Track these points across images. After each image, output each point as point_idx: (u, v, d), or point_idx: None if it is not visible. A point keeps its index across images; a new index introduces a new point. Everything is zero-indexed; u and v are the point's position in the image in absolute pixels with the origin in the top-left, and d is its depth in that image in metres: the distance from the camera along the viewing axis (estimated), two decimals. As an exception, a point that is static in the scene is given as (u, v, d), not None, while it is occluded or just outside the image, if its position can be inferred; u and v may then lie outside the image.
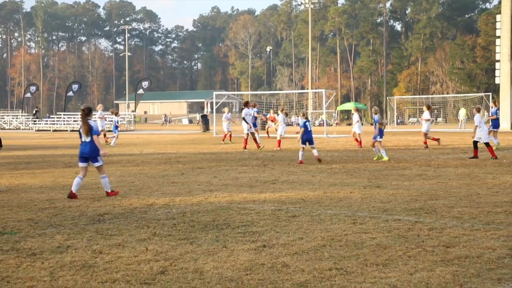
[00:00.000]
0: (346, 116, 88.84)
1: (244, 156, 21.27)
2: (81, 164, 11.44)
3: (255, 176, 14.81)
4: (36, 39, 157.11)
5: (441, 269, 6.18)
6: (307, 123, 17.97)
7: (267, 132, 34.79)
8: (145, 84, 68.45)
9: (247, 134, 25.15)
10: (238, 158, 20.14)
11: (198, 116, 76.97)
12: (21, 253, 6.98)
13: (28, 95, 76.05)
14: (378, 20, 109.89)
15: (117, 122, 30.79)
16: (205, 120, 50.86)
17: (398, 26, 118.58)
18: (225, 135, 30.35)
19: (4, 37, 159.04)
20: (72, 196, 11.13)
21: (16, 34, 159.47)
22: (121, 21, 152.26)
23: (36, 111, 69.87)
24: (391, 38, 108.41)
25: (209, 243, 7.41)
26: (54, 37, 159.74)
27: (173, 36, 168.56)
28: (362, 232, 7.96)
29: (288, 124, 52.25)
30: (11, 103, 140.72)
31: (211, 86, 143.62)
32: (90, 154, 11.27)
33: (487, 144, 18.68)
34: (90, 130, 11.26)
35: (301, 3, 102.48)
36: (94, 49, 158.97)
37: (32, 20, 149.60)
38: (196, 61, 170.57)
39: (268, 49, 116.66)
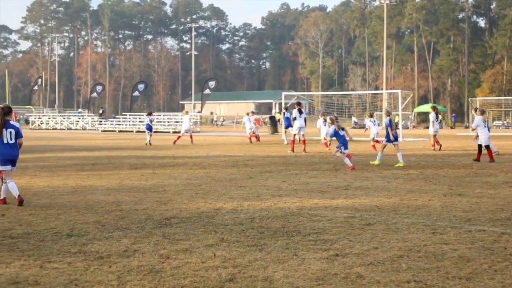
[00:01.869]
0: (424, 119, 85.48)
1: (315, 160, 20.93)
2: (6, 168, 10.83)
3: (326, 181, 14.43)
4: (102, 37, 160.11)
5: (531, 285, 5.71)
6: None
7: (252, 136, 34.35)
8: (211, 84, 68.22)
9: (294, 135, 25.68)
10: (308, 162, 19.80)
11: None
12: (89, 256, 6.94)
13: (95, 94, 77.21)
14: (460, 16, 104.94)
15: (151, 122, 32.35)
16: (273, 121, 50.52)
17: (481, 22, 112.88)
18: (253, 136, 33.13)
19: (71, 36, 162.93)
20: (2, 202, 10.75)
21: (83, 33, 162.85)
22: (188, 19, 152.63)
23: (102, 111, 70.96)
24: (473, 35, 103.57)
25: (279, 251, 7.16)
26: (120, 36, 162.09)
27: (241, 34, 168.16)
28: (442, 243, 7.52)
29: (361, 127, 51.76)
30: (77, 103, 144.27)
31: (280, 86, 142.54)
32: (15, 156, 10.80)
33: (487, 147, 19.51)
34: (16, 133, 10.77)
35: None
36: (160, 47, 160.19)
37: (99, 19, 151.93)
38: (264, 60, 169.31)
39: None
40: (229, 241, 7.72)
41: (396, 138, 18.53)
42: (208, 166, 18.55)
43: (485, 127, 19.62)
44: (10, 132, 10.79)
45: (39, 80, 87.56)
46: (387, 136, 18.50)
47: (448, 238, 7.82)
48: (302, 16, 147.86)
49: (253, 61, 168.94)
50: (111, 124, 60.37)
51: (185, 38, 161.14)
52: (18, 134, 10.89)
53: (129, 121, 59.14)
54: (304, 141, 25.23)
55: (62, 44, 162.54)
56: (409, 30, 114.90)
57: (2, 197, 10.94)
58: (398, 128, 25.84)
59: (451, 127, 75.34)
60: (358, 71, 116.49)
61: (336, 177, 15.34)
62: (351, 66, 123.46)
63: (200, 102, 70.31)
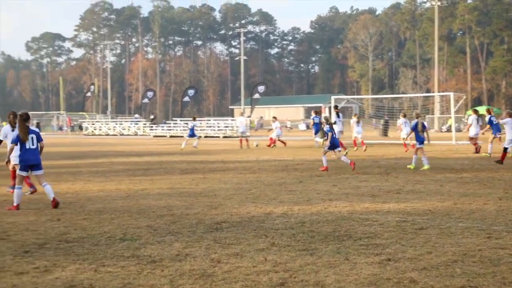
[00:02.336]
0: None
1: (365, 163, 20.74)
2: (24, 173, 11.23)
3: (377, 185, 14.28)
4: (153, 44, 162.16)
5: None
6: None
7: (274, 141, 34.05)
8: (261, 88, 68.15)
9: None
10: (359, 166, 19.58)
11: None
12: (142, 260, 7.04)
13: (146, 100, 78.09)
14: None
15: (194, 127, 33.35)
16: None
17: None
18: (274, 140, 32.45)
19: (122, 43, 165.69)
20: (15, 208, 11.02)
21: (134, 40, 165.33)
22: (237, 24, 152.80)
23: (153, 117, 71.76)
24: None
25: (330, 255, 7.12)
26: (170, 42, 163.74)
27: (290, 38, 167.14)
28: (498, 248, 7.35)
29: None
30: (129, 109, 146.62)
31: (329, 90, 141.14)
32: (36, 161, 11.15)
33: (505, 148, 19.69)
34: (37, 138, 11.20)
35: (427, 1, 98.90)
36: (210, 53, 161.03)
37: (149, 25, 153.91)
38: (313, 64, 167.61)
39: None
40: (280, 245, 7.71)
41: (423, 141, 18.53)
42: (258, 171, 18.58)
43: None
44: (32, 138, 11.23)
45: (92, 87, 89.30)
46: (418, 138, 18.44)
47: (504, 242, 7.63)
48: (351, 19, 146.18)
49: (302, 65, 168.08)
50: (162, 129, 61.06)
51: (234, 43, 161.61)
52: (39, 138, 11.35)
53: (180, 127, 59.68)
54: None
55: (114, 51, 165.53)
56: (461, 32, 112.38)
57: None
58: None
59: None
60: (409, 73, 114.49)
61: (387, 181, 15.16)
62: (402, 68, 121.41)
63: (250, 106, 70.50)
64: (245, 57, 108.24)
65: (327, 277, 6.16)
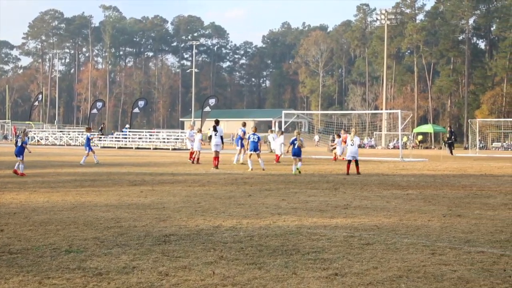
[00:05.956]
0: (424, 139, 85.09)
1: (314, 178, 20.95)
2: None
3: (325, 200, 14.42)
4: (103, 54, 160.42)
5: (531, 307, 5.70)
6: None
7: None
8: (211, 101, 68.30)
9: (216, 152, 26.28)
10: (308, 181, 19.82)
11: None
12: (88, 272, 6.92)
13: (95, 111, 77.17)
14: (460, 38, 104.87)
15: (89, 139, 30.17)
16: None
17: (481, 44, 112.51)
18: (192, 153, 31.76)
19: (72, 52, 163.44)
20: None
21: (84, 49, 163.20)
22: (189, 37, 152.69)
23: (101, 127, 70.87)
24: (473, 56, 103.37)
25: (278, 269, 7.14)
26: (121, 53, 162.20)
27: (242, 52, 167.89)
28: (441, 264, 7.50)
29: (359, 146, 52.63)
30: (77, 119, 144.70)
31: (280, 104, 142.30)
32: None
33: (356, 162, 23.16)
34: None
35: (377, 19, 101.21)
36: (161, 65, 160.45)
37: (100, 35, 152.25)
38: (265, 79, 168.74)
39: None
40: (228, 259, 7.70)
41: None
42: (207, 184, 18.54)
43: (352, 145, 23.12)
44: None
45: (40, 95, 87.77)
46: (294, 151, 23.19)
47: (447, 259, 7.80)
48: (302, 35, 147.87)
49: (253, 79, 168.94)
50: (111, 140, 60.37)
51: (185, 56, 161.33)
52: None
53: (129, 138, 59.15)
54: (216, 158, 25.94)
55: (63, 60, 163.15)
56: (409, 51, 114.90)
57: None
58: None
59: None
60: (358, 90, 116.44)
61: (335, 196, 15.33)
62: (351, 85, 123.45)
63: (200, 119, 70.48)
64: (196, 70, 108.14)
65: (274, 291, 6.18)
